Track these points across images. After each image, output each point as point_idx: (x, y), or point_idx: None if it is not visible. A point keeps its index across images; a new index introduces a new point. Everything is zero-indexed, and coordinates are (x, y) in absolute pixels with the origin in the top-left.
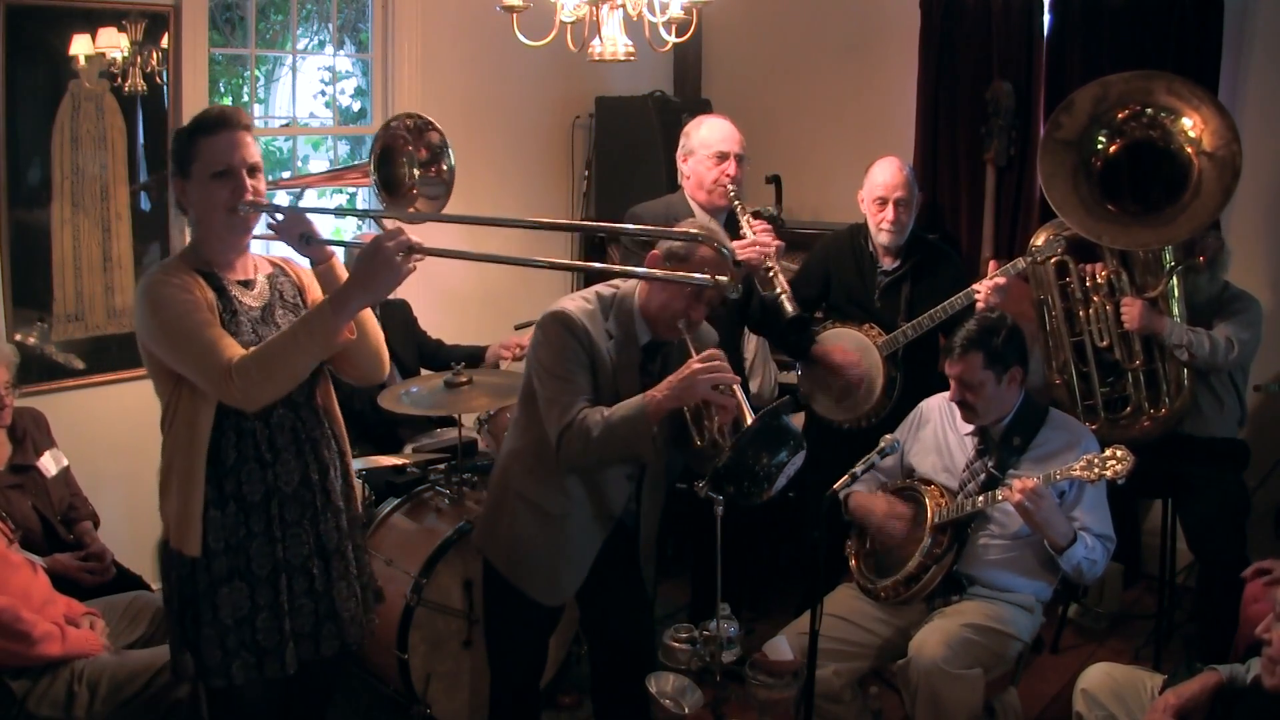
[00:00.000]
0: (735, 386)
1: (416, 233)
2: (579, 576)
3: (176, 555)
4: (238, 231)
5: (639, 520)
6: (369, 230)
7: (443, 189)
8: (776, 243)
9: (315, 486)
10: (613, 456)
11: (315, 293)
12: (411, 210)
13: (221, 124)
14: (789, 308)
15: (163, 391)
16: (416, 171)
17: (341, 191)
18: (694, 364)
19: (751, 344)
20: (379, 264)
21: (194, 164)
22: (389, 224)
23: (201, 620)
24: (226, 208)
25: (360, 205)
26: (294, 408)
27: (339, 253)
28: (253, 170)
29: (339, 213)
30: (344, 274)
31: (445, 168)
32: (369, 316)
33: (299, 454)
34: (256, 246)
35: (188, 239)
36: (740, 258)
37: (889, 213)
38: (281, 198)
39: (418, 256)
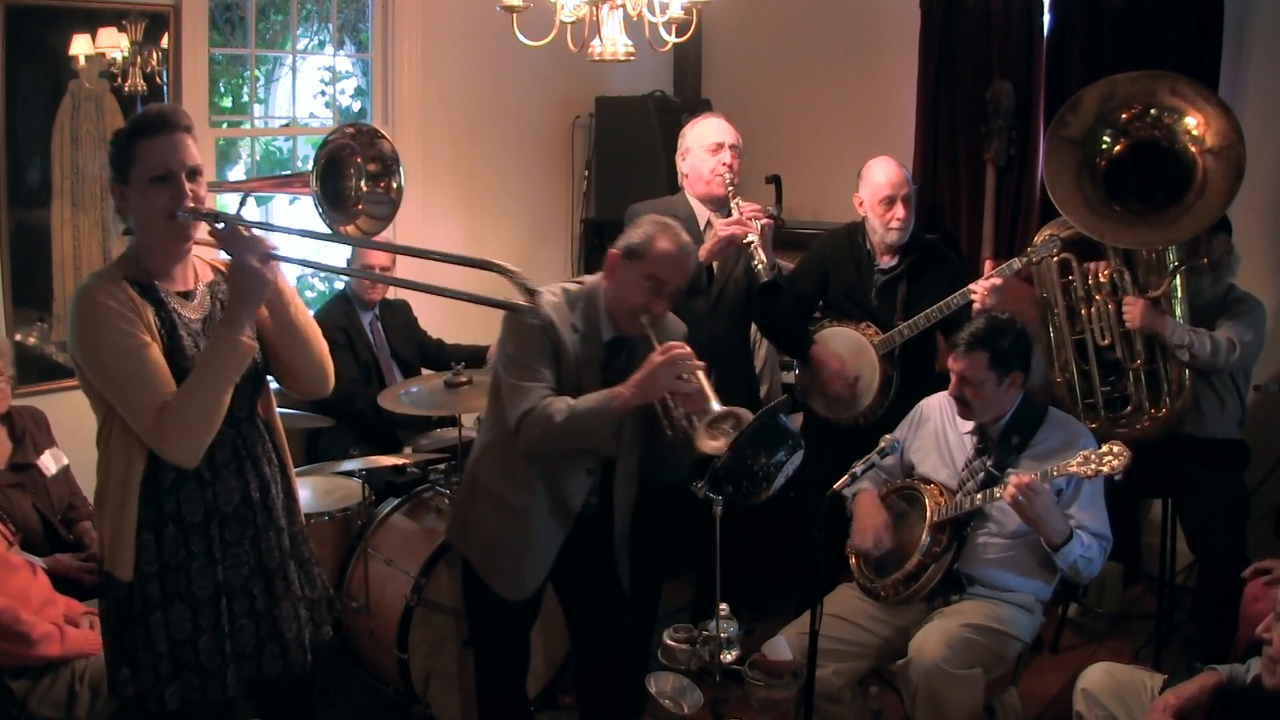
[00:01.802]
0: (699, 373)
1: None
2: (541, 571)
3: (109, 578)
4: (178, 239)
5: (611, 517)
6: None
7: (389, 209)
8: (764, 220)
9: (256, 505)
10: (571, 446)
11: None
12: (351, 229)
13: (161, 126)
14: (763, 275)
15: (98, 409)
16: (364, 185)
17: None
18: (655, 357)
19: (761, 351)
20: (244, 275)
21: (133, 168)
22: (252, 232)
23: (137, 644)
24: (165, 214)
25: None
26: (234, 423)
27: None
28: (192, 174)
29: (275, 229)
30: (286, 285)
31: (395, 185)
32: (314, 331)
33: (239, 472)
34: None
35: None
36: (724, 233)
37: (899, 210)
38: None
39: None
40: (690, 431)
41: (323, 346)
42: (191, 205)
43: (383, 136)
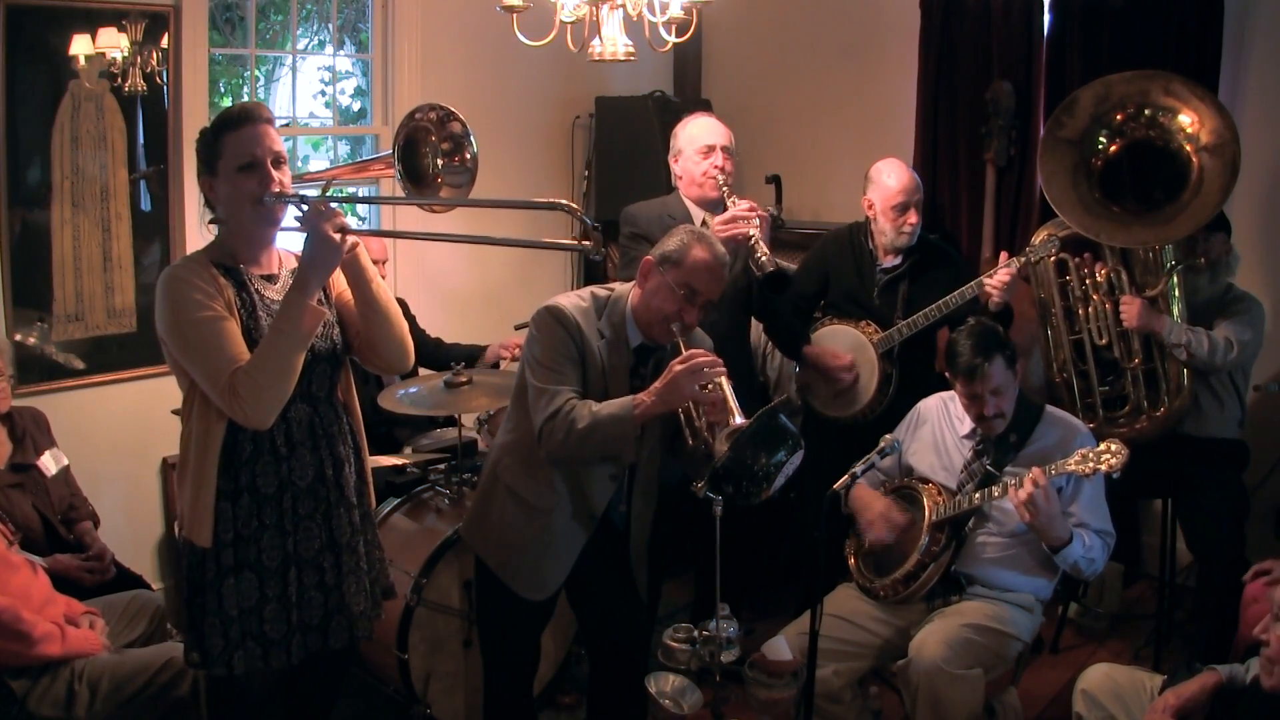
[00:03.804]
0: (723, 380)
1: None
2: (562, 573)
3: (187, 544)
4: (265, 223)
5: (629, 523)
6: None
7: (466, 176)
8: (760, 213)
9: (329, 482)
10: (593, 452)
11: (340, 284)
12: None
13: (244, 119)
14: (769, 266)
15: (182, 383)
16: (440, 161)
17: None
18: (675, 365)
19: (775, 362)
20: (320, 242)
21: (220, 160)
22: (330, 205)
23: (206, 609)
24: (253, 200)
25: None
26: (312, 402)
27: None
28: (277, 161)
29: (360, 201)
30: (369, 263)
31: (469, 155)
32: (394, 307)
33: (314, 449)
34: (285, 240)
35: (204, 239)
36: (723, 235)
37: (911, 216)
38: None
39: (352, 238)
40: (711, 442)
41: (403, 324)
42: (278, 190)
43: (455, 118)
